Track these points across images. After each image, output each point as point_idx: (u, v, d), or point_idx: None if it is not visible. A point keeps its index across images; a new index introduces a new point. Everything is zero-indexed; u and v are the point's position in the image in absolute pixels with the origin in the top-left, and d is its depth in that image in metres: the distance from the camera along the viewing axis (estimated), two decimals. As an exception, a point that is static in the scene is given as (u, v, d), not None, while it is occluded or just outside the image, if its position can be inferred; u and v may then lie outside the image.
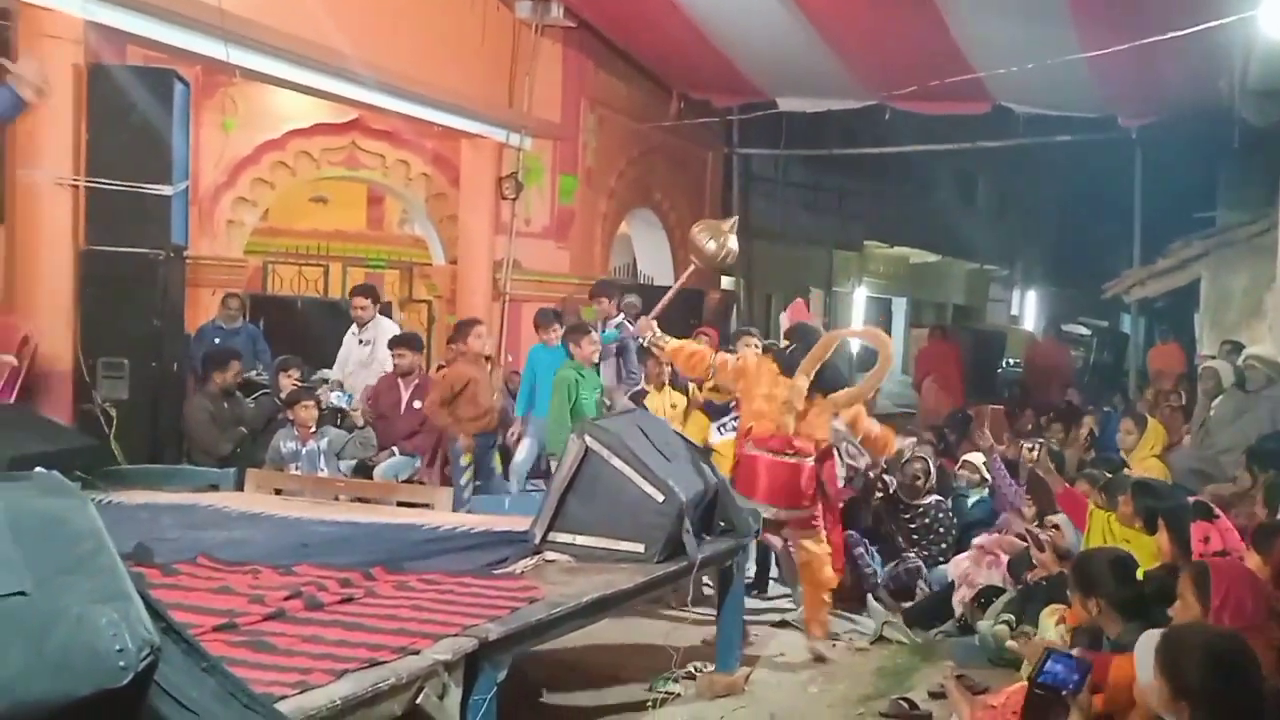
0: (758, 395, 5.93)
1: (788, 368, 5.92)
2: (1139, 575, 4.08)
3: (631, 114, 12.85)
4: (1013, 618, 5.64)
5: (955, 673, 4.40)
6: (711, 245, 6.45)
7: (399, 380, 8.18)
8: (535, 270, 11.59)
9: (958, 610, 6.45)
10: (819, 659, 5.83)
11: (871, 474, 7.55)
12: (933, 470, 7.60)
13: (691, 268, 6.64)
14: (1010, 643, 5.49)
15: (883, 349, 6.04)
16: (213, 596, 3.64)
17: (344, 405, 7.79)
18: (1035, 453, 6.76)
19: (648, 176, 13.38)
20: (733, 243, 6.54)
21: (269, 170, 10.24)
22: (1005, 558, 6.44)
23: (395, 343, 8.33)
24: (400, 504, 6.27)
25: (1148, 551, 4.75)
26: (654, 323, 6.47)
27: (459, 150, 11.15)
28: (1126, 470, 6.34)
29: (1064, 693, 3.12)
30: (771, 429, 5.80)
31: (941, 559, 7.25)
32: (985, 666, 5.55)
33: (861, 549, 7.32)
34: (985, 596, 6.19)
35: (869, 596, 6.92)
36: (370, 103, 9.62)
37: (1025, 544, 6.47)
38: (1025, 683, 3.37)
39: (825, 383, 5.90)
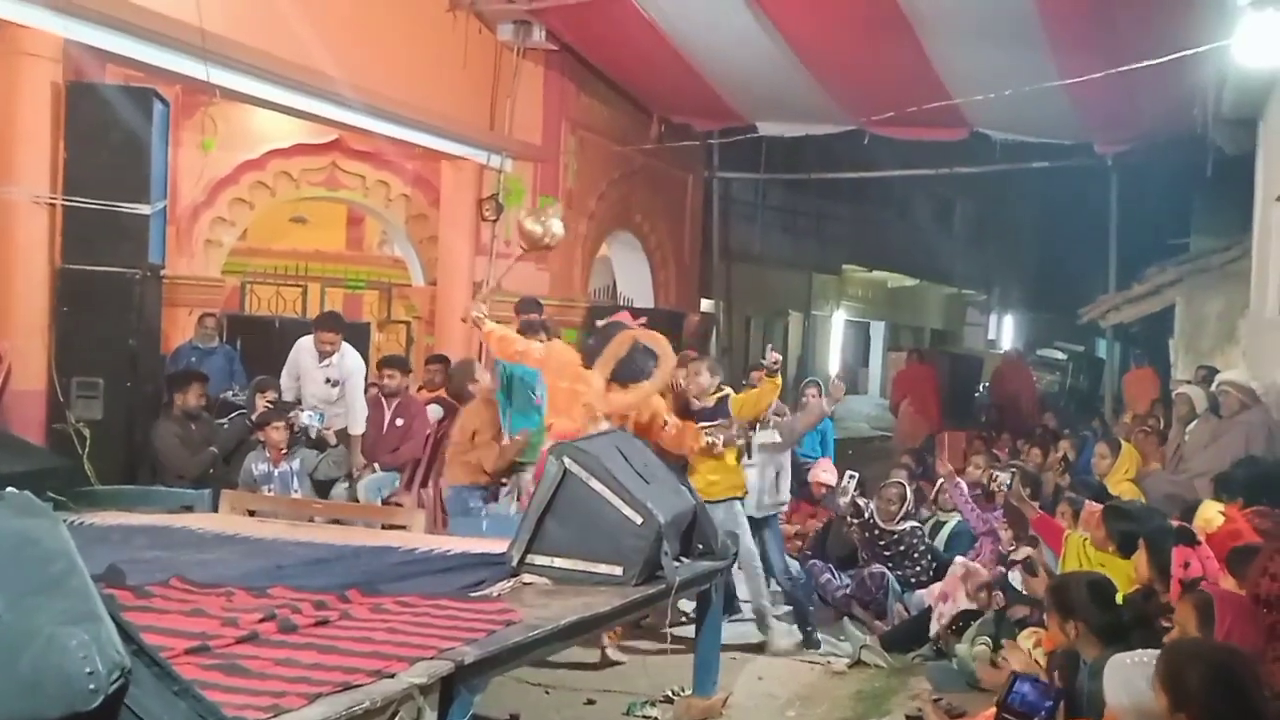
0: (561, 388, 6.08)
1: (591, 358, 6.15)
2: (1118, 599, 4.10)
3: (612, 137, 12.87)
4: (990, 640, 5.63)
5: (933, 697, 4.40)
6: (537, 228, 6.92)
7: (383, 399, 8.36)
8: (515, 292, 11.53)
9: (935, 634, 6.45)
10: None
11: (843, 502, 7.54)
12: (909, 495, 7.59)
13: (519, 252, 6.96)
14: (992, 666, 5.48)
15: (664, 356, 6.19)
16: (186, 619, 3.59)
17: (315, 425, 7.70)
18: (1008, 484, 6.66)
19: (628, 199, 13.40)
20: (556, 226, 6.94)
21: (248, 190, 10.21)
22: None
23: (385, 364, 8.74)
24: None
25: (1123, 575, 4.76)
26: (484, 305, 6.59)
27: (439, 171, 11.15)
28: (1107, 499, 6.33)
29: (1035, 718, 3.11)
30: (573, 428, 5.79)
31: (913, 580, 7.23)
32: (963, 690, 5.54)
33: (828, 574, 7.32)
34: (962, 620, 6.19)
35: (844, 620, 6.91)
36: (351, 123, 9.61)
37: (989, 573, 6.47)
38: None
39: (622, 382, 6.06)
